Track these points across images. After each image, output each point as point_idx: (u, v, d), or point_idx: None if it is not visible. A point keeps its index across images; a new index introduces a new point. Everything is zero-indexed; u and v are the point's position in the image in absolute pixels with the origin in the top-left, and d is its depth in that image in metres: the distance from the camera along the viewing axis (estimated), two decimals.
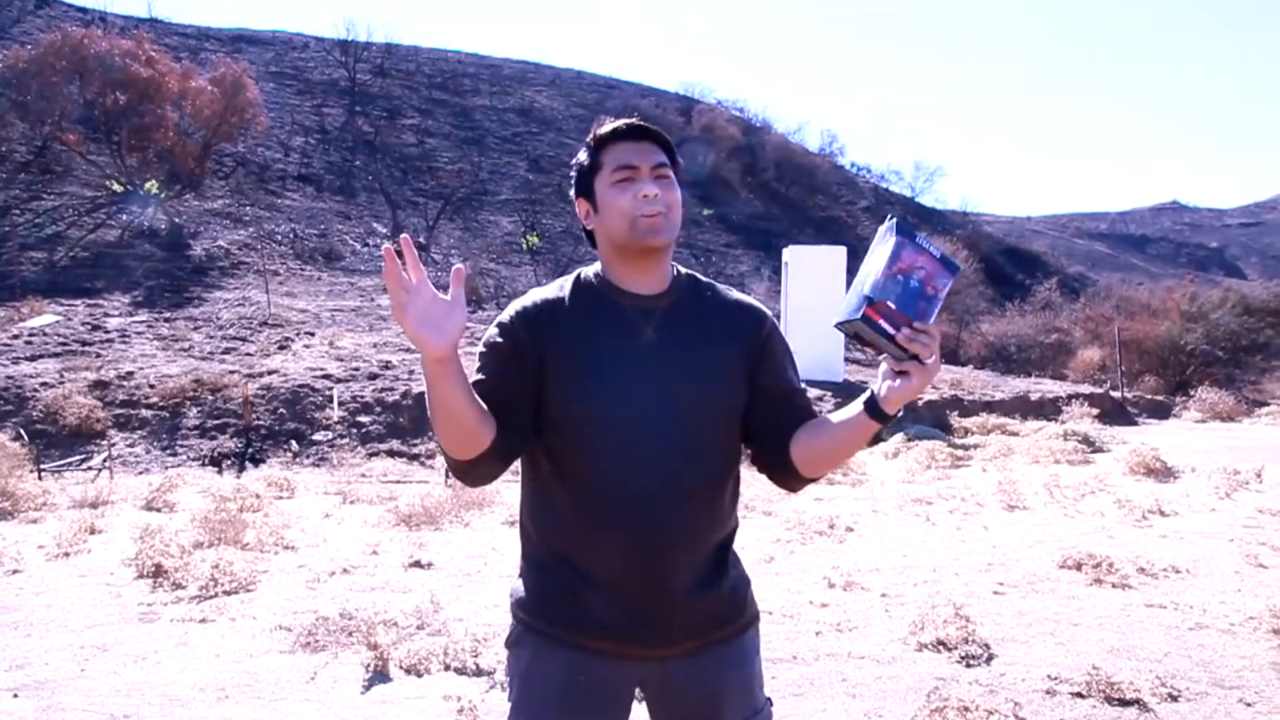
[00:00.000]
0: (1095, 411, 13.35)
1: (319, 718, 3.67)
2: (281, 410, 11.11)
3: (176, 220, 22.56)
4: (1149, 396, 16.78)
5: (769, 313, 1.86)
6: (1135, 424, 14.19)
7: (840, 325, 1.57)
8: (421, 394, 1.77)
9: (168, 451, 10.18)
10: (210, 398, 11.18)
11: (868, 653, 4.30)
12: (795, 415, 1.79)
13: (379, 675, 4.04)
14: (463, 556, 6.12)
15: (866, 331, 1.53)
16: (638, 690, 1.78)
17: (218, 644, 4.46)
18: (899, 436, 11.02)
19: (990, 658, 4.20)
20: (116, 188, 22.72)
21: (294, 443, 10.53)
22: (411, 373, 12.42)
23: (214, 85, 23.66)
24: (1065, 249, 59.66)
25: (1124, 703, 3.68)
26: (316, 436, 10.72)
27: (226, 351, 13.72)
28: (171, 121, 22.83)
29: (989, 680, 3.94)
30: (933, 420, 12.35)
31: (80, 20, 30.92)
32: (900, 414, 1.65)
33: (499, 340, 1.73)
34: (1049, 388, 15.68)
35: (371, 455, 10.39)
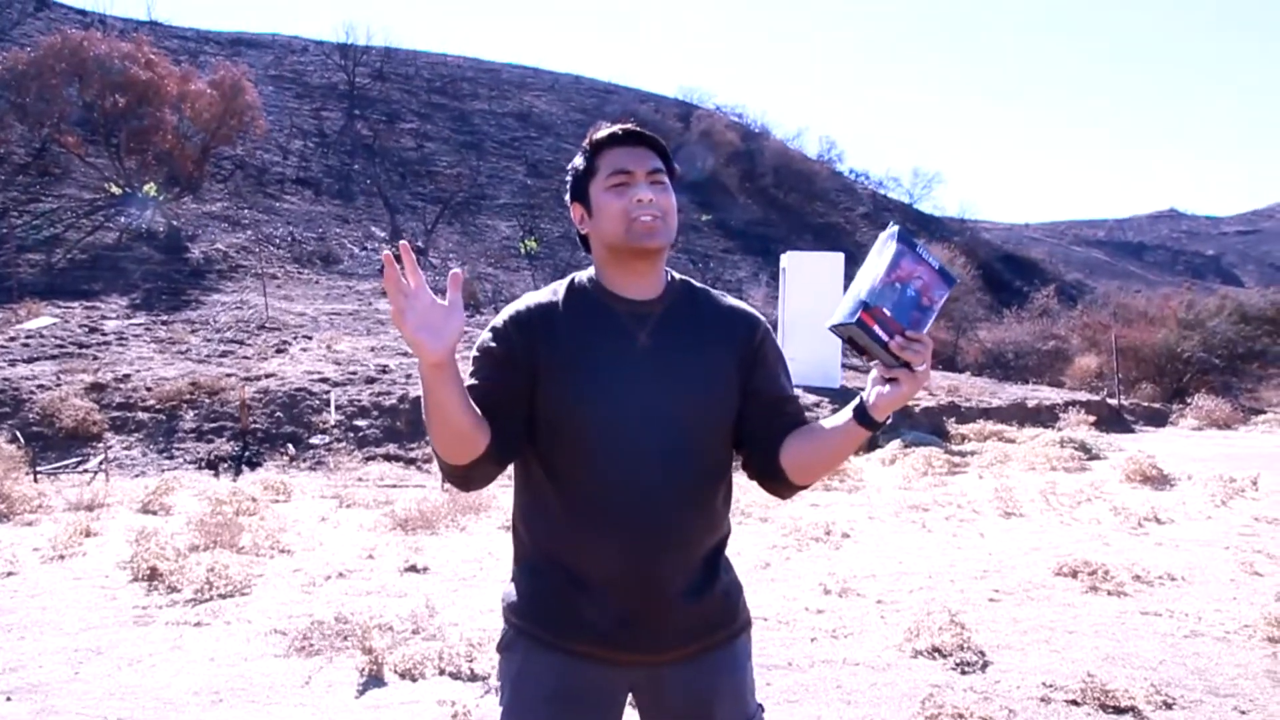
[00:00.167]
0: (1092, 419, 13.36)
1: None
2: (278, 414, 11.10)
3: (175, 223, 22.55)
4: (1146, 404, 16.81)
5: (763, 319, 1.87)
6: (1132, 431, 14.20)
7: (835, 328, 1.58)
8: (418, 398, 1.79)
9: (164, 454, 10.17)
10: (207, 401, 11.17)
11: (863, 659, 4.30)
12: (786, 422, 1.79)
13: (374, 680, 4.03)
14: (458, 561, 6.11)
15: (860, 336, 1.54)
16: (630, 695, 1.78)
17: (212, 648, 4.45)
18: (896, 443, 11.03)
19: (985, 665, 4.20)
20: (115, 190, 22.70)
21: (291, 446, 10.52)
22: (409, 377, 12.41)
23: (213, 88, 23.67)
24: (1063, 256, 59.71)
25: (1119, 710, 3.68)
26: (313, 440, 10.71)
27: (224, 354, 13.71)
28: (170, 124, 22.83)
29: (984, 687, 3.94)
30: (929, 427, 12.36)
31: (80, 23, 30.91)
32: (889, 421, 1.65)
33: (492, 345, 1.73)
34: (1046, 395, 15.69)
35: (368, 459, 10.39)
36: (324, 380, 12.15)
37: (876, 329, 1.52)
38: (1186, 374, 20.14)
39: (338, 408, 11.33)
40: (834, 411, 1.74)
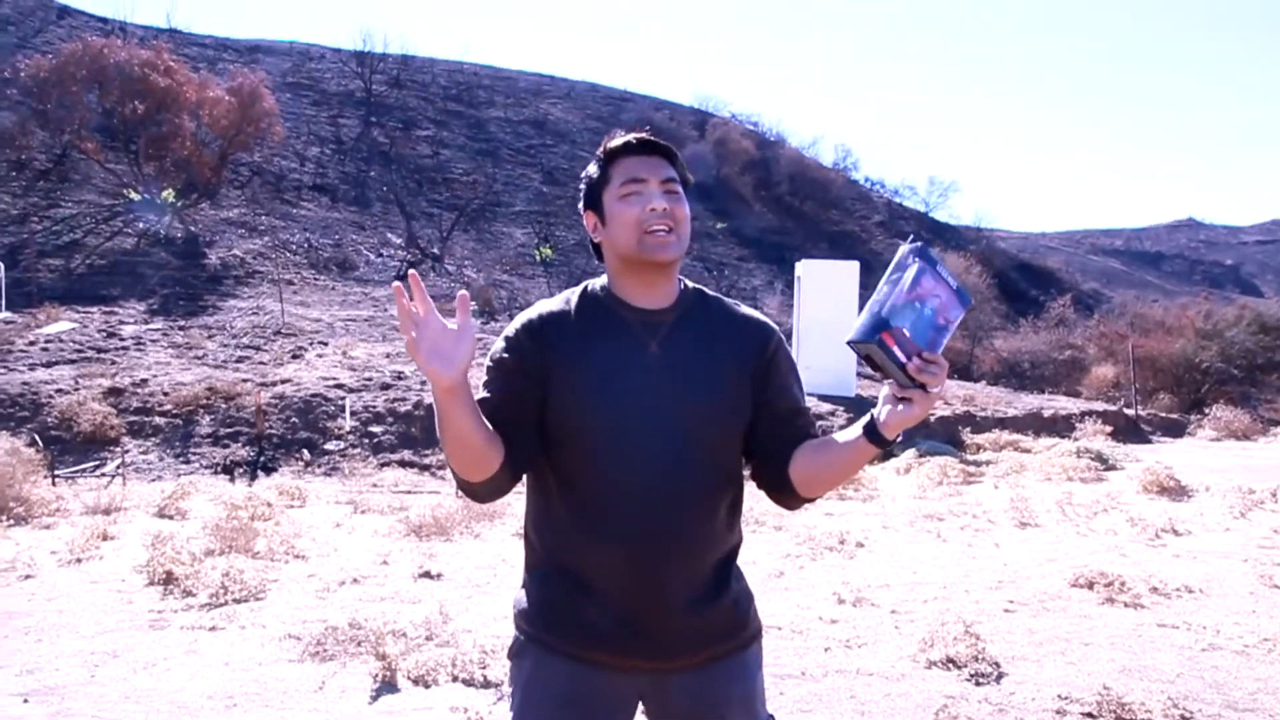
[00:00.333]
0: (1109, 429, 13.27)
1: None
2: (294, 419, 11.16)
3: (192, 229, 22.74)
4: (1163, 414, 16.68)
5: (776, 328, 1.86)
6: (1149, 442, 14.10)
7: (853, 344, 1.57)
8: (432, 405, 1.80)
9: (180, 459, 10.23)
10: (223, 406, 11.24)
11: (877, 669, 4.28)
12: (797, 434, 1.79)
13: (387, 685, 4.04)
14: (472, 568, 6.12)
15: (879, 355, 1.53)
16: (640, 703, 1.78)
17: (227, 652, 4.47)
18: (911, 452, 10.98)
19: (1000, 676, 4.17)
20: (133, 196, 22.91)
21: (306, 452, 10.57)
22: (423, 383, 12.44)
23: (231, 95, 23.88)
24: (1080, 265, 59.44)
25: None
26: (328, 446, 10.75)
27: (240, 360, 13.79)
28: (189, 131, 23.04)
29: (998, 699, 3.92)
30: (945, 436, 12.30)
31: (100, 30, 31.23)
32: (900, 439, 1.64)
33: (504, 355, 1.74)
34: (1062, 404, 15.60)
35: (383, 465, 10.42)
36: (339, 386, 12.20)
37: (895, 350, 1.51)
38: (1205, 384, 19.99)
39: (353, 414, 11.37)
40: (849, 420, 1.74)
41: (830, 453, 1.71)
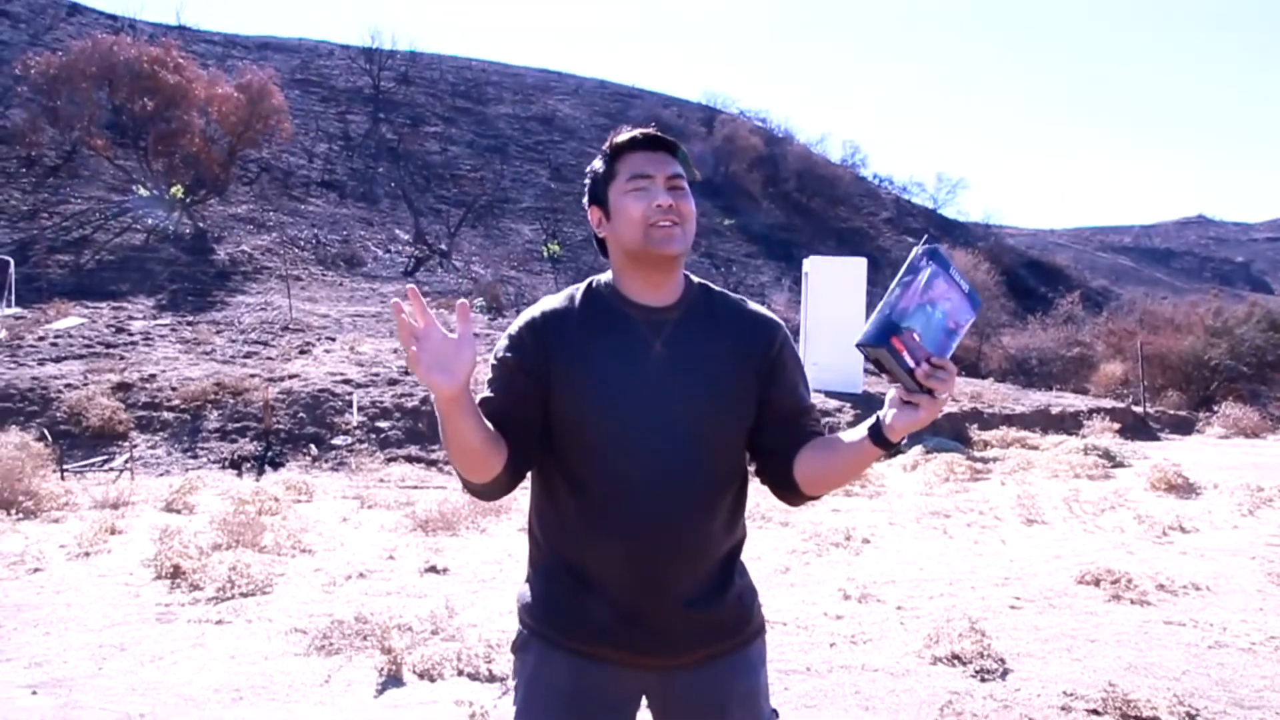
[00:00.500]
0: (1117, 426, 13.22)
1: None
2: (301, 414, 11.18)
3: (201, 225, 22.80)
4: (1171, 412, 16.61)
5: (782, 325, 1.85)
6: (1157, 439, 14.05)
7: (863, 347, 1.54)
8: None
9: (188, 454, 10.26)
10: (231, 401, 11.27)
11: (882, 665, 4.28)
12: (802, 432, 1.79)
13: (392, 679, 4.05)
14: (478, 562, 6.13)
15: (888, 359, 1.51)
16: (644, 699, 1.78)
17: (233, 645, 4.49)
18: (917, 449, 10.96)
19: (1005, 673, 4.17)
20: (142, 192, 22.99)
21: (313, 447, 10.59)
22: None
23: (240, 92, 23.93)
24: (1088, 262, 59.21)
25: None
26: (336, 441, 10.78)
27: (248, 355, 13.83)
28: (197, 127, 23.10)
29: (1004, 695, 3.91)
30: (952, 433, 12.27)
31: (110, 27, 31.35)
32: (904, 442, 1.64)
33: (507, 354, 1.74)
34: (1070, 401, 15.55)
35: (390, 460, 10.44)
36: (346, 381, 12.23)
37: (905, 355, 1.50)
38: (1214, 382, 19.89)
39: (360, 409, 11.40)
40: (856, 416, 1.74)
41: (835, 453, 1.71)
